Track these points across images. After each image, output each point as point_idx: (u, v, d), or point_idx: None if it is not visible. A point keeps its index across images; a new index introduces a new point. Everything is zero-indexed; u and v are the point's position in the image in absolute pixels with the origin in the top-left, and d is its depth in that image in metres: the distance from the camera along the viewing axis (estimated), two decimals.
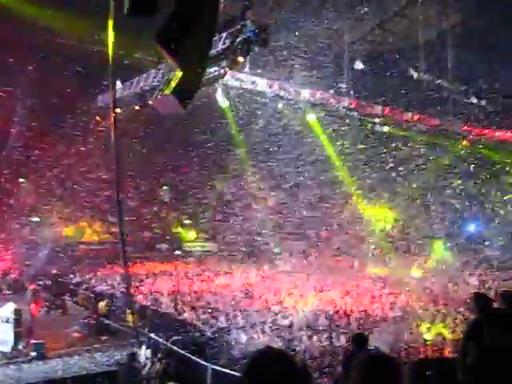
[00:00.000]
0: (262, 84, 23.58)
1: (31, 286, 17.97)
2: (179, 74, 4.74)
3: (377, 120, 28.38)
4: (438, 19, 22.77)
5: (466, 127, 30.57)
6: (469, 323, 5.89)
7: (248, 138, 33.47)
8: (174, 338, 13.19)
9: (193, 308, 16.87)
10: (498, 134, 31.65)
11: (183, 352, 12.12)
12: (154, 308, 17.46)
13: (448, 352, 11.33)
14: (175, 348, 12.43)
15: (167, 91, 5.00)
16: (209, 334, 13.91)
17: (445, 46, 23.35)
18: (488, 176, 34.63)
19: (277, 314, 15.80)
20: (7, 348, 14.28)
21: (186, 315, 16.23)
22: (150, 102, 19.44)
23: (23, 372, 12.69)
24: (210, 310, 16.48)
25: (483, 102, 26.55)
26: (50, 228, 30.37)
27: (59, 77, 26.50)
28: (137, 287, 20.33)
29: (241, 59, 16.32)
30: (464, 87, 25.36)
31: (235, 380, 8.94)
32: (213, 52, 14.91)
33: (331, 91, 25.66)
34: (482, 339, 4.18)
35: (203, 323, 15.04)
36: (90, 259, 29.03)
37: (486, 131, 31.10)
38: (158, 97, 8.15)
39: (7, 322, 14.62)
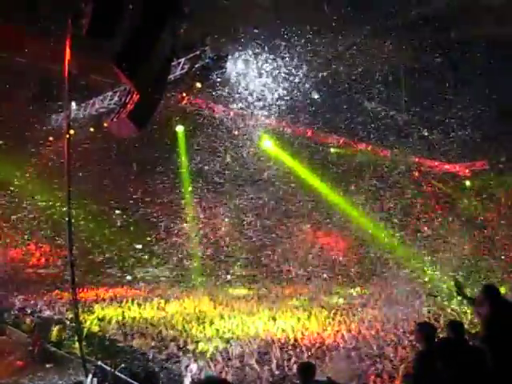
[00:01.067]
0: (218, 110, 23.74)
1: None
2: (136, 97, 4.69)
3: (332, 150, 28.99)
4: (395, 53, 23.51)
5: (417, 159, 31.60)
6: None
7: (201, 163, 33.52)
8: (122, 365, 12.82)
9: (142, 335, 16.49)
10: (447, 166, 32.77)
11: (131, 381, 11.78)
12: (102, 334, 16.97)
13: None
14: (123, 376, 12.07)
15: (123, 114, 4.94)
16: (158, 362, 13.60)
17: (399, 80, 24.09)
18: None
19: (228, 342, 15.61)
20: None
21: (135, 342, 15.83)
22: (106, 124, 19.23)
23: None
24: (161, 338, 16.14)
25: (434, 135, 27.45)
26: None
27: (11, 94, 25.87)
28: (85, 313, 19.76)
29: (198, 85, 16.38)
30: (416, 120, 26.18)
31: None
32: (171, 77, 14.90)
33: (287, 119, 26.07)
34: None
35: (153, 351, 14.70)
36: (37, 283, 28.10)
37: (436, 163, 32.18)
38: (114, 119, 8.06)
39: None
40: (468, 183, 34.49)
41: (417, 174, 33.48)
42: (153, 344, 15.35)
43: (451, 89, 23.66)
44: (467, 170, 33.37)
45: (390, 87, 24.21)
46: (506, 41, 21.83)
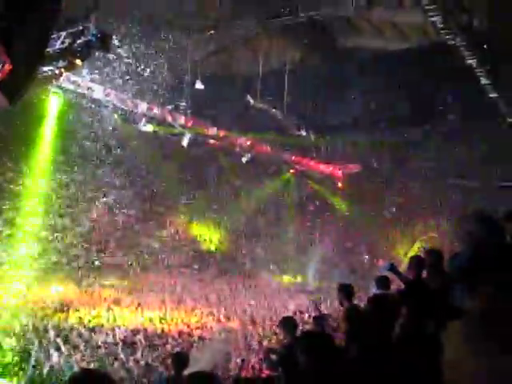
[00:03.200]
0: (98, 91, 22.88)
1: None
2: (8, 67, 4.36)
3: (211, 141, 29.11)
4: (280, 52, 24.07)
5: (293, 158, 32.68)
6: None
7: (73, 145, 32.31)
8: None
9: None
10: (321, 166, 34.22)
11: None
12: None
13: None
14: None
15: None
16: (15, 349, 12.87)
17: (282, 78, 24.69)
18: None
19: (93, 330, 15.14)
20: None
21: None
22: None
23: None
24: (17, 325, 15.26)
25: (312, 137, 28.53)
26: None
27: None
28: None
29: (79, 62, 15.58)
30: (295, 120, 27.00)
31: None
32: (49, 50, 14.06)
33: (169, 107, 25.74)
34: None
35: (8, 339, 13.87)
36: None
37: (312, 163, 33.51)
38: None
39: None
40: (340, 184, 36.25)
41: (292, 171, 34.71)
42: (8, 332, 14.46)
43: (336, 91, 24.67)
44: (340, 172, 35.04)
45: (274, 85, 24.76)
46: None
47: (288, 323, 6.62)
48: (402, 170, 31.74)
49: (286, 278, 32.42)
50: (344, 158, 33.03)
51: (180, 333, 15.67)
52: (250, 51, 24.31)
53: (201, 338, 15.18)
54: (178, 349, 13.03)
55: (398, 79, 22.35)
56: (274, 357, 6.54)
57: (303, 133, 27.69)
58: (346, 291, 7.00)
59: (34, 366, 11.69)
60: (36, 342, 13.30)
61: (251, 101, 23.95)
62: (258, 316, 19.52)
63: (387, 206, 34.59)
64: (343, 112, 26.24)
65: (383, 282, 7.07)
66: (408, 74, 22.16)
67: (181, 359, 6.51)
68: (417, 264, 6.10)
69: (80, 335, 14.36)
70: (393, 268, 6.45)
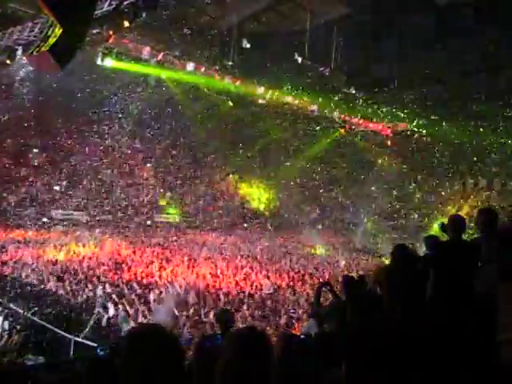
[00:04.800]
0: (146, 52, 23.02)
1: None
2: (59, 31, 4.44)
3: (260, 101, 28.98)
4: (328, 9, 23.42)
5: (343, 116, 32.23)
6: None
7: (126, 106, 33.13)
8: (35, 309, 12.60)
9: (58, 278, 16.18)
10: (371, 125, 33.67)
11: (44, 324, 11.62)
12: (15, 277, 16.52)
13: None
14: (36, 319, 11.88)
15: (44, 48, 4.67)
16: (74, 305, 13.47)
17: (330, 36, 24.13)
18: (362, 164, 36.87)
19: (147, 288, 15.63)
20: None
21: (50, 285, 15.54)
22: (24, 58, 18.15)
23: None
24: (77, 281, 15.92)
25: (361, 93, 27.94)
26: None
27: None
28: None
29: (126, 23, 15.66)
30: (345, 77, 26.42)
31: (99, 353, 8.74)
32: (97, 13, 14.18)
33: (216, 67, 25.68)
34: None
35: (68, 294, 14.51)
36: None
37: (361, 121, 32.97)
38: (34, 53, 7.61)
39: None
40: (389, 142, 35.69)
41: (342, 130, 34.24)
42: (68, 288, 15.11)
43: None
44: (389, 130, 34.42)
45: (320, 43, 24.23)
46: None
47: (347, 281, 6.56)
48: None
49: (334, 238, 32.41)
50: (392, 116, 32.37)
51: (230, 290, 15.97)
52: (296, 8, 23.75)
53: (251, 294, 15.45)
54: (228, 306, 13.34)
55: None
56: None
57: (352, 90, 27.14)
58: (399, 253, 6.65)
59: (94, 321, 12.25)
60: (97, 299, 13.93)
61: (299, 59, 23.54)
62: (306, 274, 19.70)
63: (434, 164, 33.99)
64: (391, 68, 25.60)
65: (432, 242, 6.92)
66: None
67: (226, 317, 6.62)
68: (457, 224, 5.92)
69: (134, 291, 14.87)
70: (444, 228, 6.28)
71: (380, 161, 36.84)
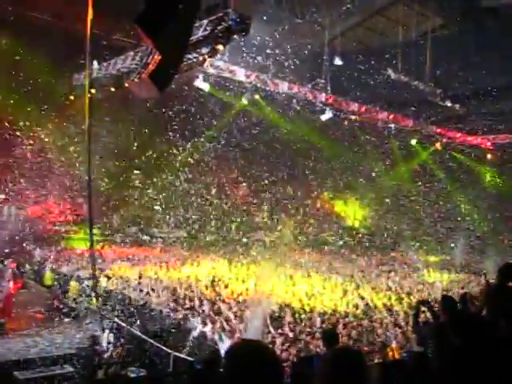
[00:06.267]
0: (240, 74, 23.56)
1: (12, 265, 17.27)
2: (158, 58, 4.68)
3: (352, 117, 28.70)
4: (419, 21, 22.96)
5: (439, 130, 31.17)
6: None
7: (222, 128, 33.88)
8: (138, 323, 13.12)
9: (158, 294, 16.78)
10: (469, 138, 32.29)
11: (146, 338, 12.06)
12: (119, 292, 17.31)
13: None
14: (138, 334, 12.36)
15: (145, 75, 4.94)
16: (173, 321, 13.88)
17: (424, 48, 23.56)
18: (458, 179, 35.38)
19: (243, 304, 15.80)
20: None
21: (151, 301, 16.13)
22: (126, 85, 19.19)
23: None
24: (176, 298, 16.41)
25: (457, 106, 26.88)
26: (15, 206, 29.73)
27: (32, 52, 25.89)
28: (103, 270, 20.09)
29: (220, 47, 16.20)
30: (439, 90, 25.59)
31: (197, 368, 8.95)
32: (193, 38, 14.76)
33: (309, 86, 25.79)
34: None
35: (168, 310, 14.99)
36: (56, 240, 28.63)
37: (459, 135, 31.70)
38: (135, 80, 8.07)
39: None
40: (489, 156, 34.01)
41: (438, 145, 33.03)
42: (168, 304, 15.62)
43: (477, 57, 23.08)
44: (489, 143, 32.85)
45: (413, 56, 23.71)
46: None
47: (447, 301, 6.36)
48: None
49: (431, 256, 31.14)
50: (491, 129, 30.81)
51: (325, 308, 15.83)
52: (387, 22, 23.47)
53: (346, 313, 15.21)
54: (324, 325, 13.23)
55: None
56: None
57: (448, 103, 26.21)
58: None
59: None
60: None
61: (392, 74, 23.17)
62: (403, 292, 19.14)
63: None
64: (488, 79, 24.48)
65: None
66: None
67: (331, 336, 6.61)
68: None
69: (230, 308, 15.11)
70: None
71: (480, 176, 35.20)
